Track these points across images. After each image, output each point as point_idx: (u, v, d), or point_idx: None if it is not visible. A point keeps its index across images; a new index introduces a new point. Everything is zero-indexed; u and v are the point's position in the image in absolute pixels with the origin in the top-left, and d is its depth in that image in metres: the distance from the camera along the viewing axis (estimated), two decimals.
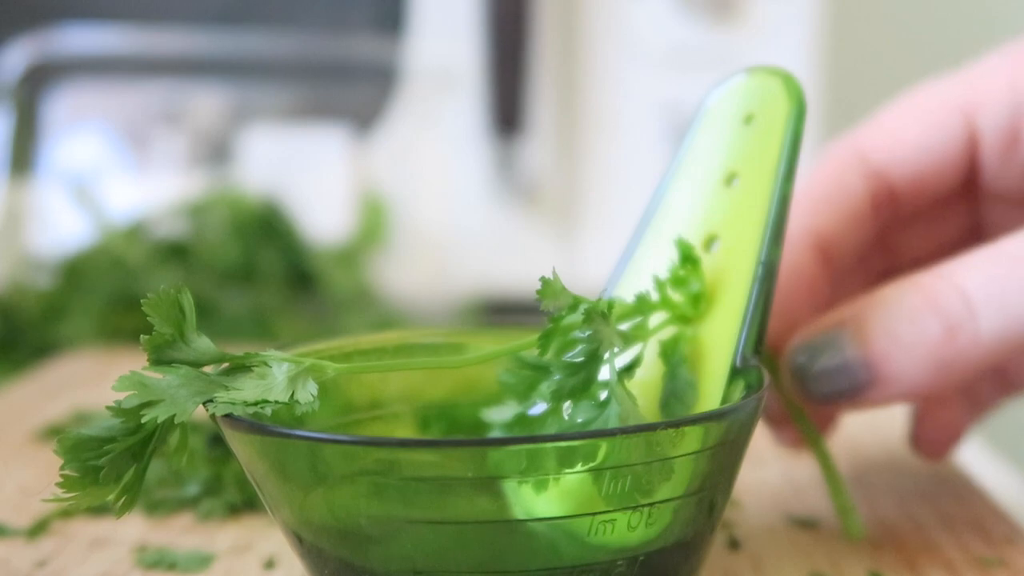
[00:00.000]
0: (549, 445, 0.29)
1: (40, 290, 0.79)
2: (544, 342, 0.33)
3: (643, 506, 0.30)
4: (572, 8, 0.90)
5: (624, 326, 0.34)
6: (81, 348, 0.72)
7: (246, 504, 0.42)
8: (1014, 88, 0.39)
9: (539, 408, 0.35)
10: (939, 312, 0.35)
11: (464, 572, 0.30)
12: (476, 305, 0.88)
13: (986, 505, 0.43)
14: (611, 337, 0.33)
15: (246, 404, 0.30)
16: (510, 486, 0.29)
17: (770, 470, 0.47)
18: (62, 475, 0.30)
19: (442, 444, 0.32)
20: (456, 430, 0.38)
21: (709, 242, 0.36)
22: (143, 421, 0.30)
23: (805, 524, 0.41)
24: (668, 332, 0.35)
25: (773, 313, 0.36)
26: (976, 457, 0.56)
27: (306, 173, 0.90)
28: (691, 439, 0.29)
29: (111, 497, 0.30)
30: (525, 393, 0.33)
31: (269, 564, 0.37)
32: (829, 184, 0.40)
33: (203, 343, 0.31)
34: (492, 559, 0.30)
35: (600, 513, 0.29)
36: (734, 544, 0.39)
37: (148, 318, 0.30)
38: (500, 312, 0.89)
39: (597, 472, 0.29)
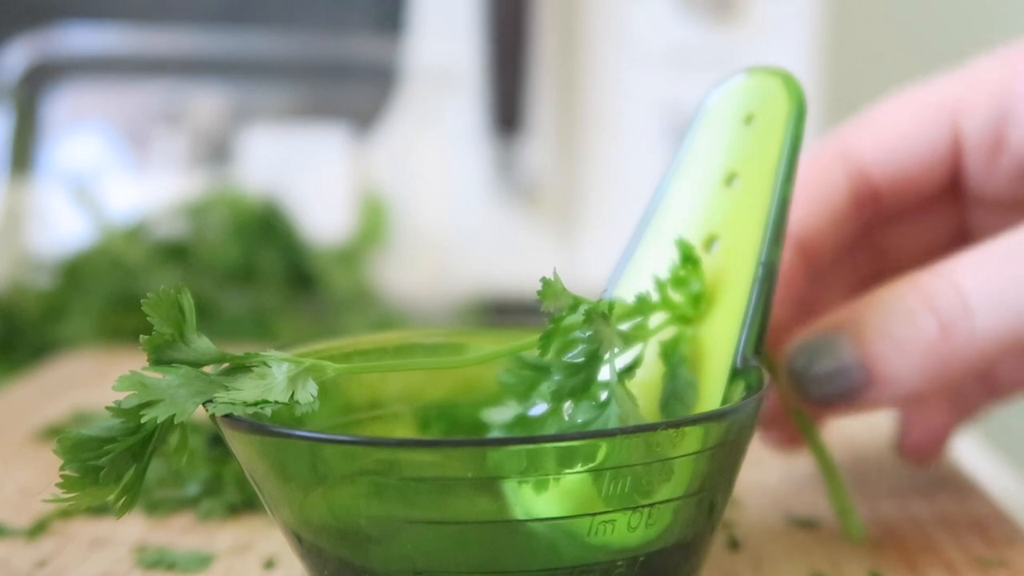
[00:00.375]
0: (549, 445, 0.29)
1: (40, 290, 0.79)
2: (545, 342, 0.33)
3: (643, 507, 0.30)
4: (572, 8, 0.90)
5: (624, 326, 0.34)
6: (81, 348, 0.72)
7: (246, 504, 0.42)
8: (1002, 93, 0.39)
9: (539, 409, 0.35)
10: (935, 310, 0.35)
11: (464, 572, 0.30)
12: (476, 305, 0.88)
13: (986, 505, 0.43)
14: (611, 338, 0.33)
15: (246, 404, 0.30)
16: (510, 486, 0.29)
17: (770, 470, 0.47)
18: (62, 475, 0.30)
19: (441, 444, 0.32)
20: (456, 430, 0.38)
21: (709, 242, 0.36)
22: (143, 421, 0.30)
23: (805, 524, 0.41)
24: (668, 332, 0.35)
25: None
26: (976, 457, 0.56)
27: (306, 173, 0.90)
28: (691, 440, 0.29)
29: (111, 497, 0.30)
30: (525, 393, 0.33)
31: (269, 564, 0.37)
32: (811, 181, 0.40)
33: (203, 343, 0.31)
34: (492, 559, 0.30)
35: (600, 513, 0.29)
36: (734, 544, 0.39)
37: (148, 318, 0.30)
38: (500, 312, 0.89)
39: (597, 473, 0.29)
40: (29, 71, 0.91)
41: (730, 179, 0.36)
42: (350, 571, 0.31)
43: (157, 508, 0.42)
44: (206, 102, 0.94)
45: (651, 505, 0.30)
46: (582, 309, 0.32)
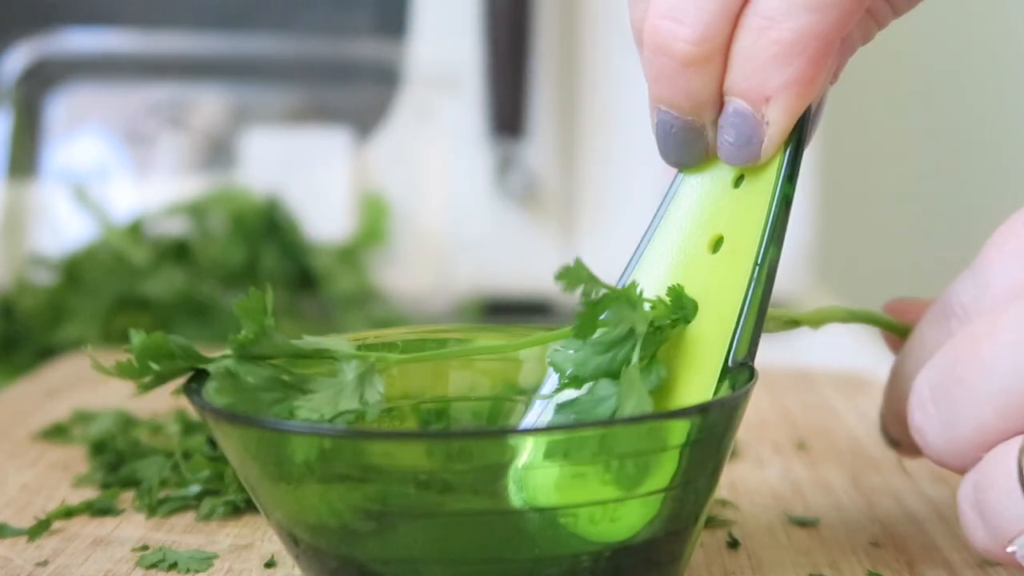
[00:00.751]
0: (530, 438, 0.29)
1: (42, 292, 0.79)
2: (582, 325, 0.33)
3: (622, 499, 0.30)
4: (572, 10, 0.90)
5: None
6: (83, 350, 0.72)
7: (247, 503, 0.42)
8: None
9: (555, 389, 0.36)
10: None
11: (447, 562, 0.30)
12: (476, 305, 0.88)
13: None
14: (637, 321, 0.33)
15: (323, 418, 0.32)
16: (497, 477, 0.29)
17: (770, 470, 0.47)
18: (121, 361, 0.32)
19: (400, 436, 0.33)
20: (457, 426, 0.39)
21: (715, 243, 0.36)
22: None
23: (805, 524, 0.41)
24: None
25: None
26: None
27: (308, 175, 0.90)
28: (668, 434, 0.30)
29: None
30: (578, 373, 0.34)
31: (270, 563, 0.37)
32: None
33: (280, 339, 0.33)
34: (481, 549, 0.30)
35: (585, 505, 0.30)
36: (734, 544, 0.39)
37: (237, 315, 0.33)
38: (500, 312, 0.89)
39: (578, 464, 0.29)
40: (31, 72, 0.91)
41: (737, 179, 0.36)
42: (325, 559, 0.31)
43: (158, 508, 0.42)
44: (208, 104, 0.94)
45: (630, 497, 0.30)
46: (613, 293, 0.33)
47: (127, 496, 0.43)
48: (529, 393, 0.38)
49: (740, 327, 0.34)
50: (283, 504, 0.31)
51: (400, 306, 0.86)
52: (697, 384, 0.34)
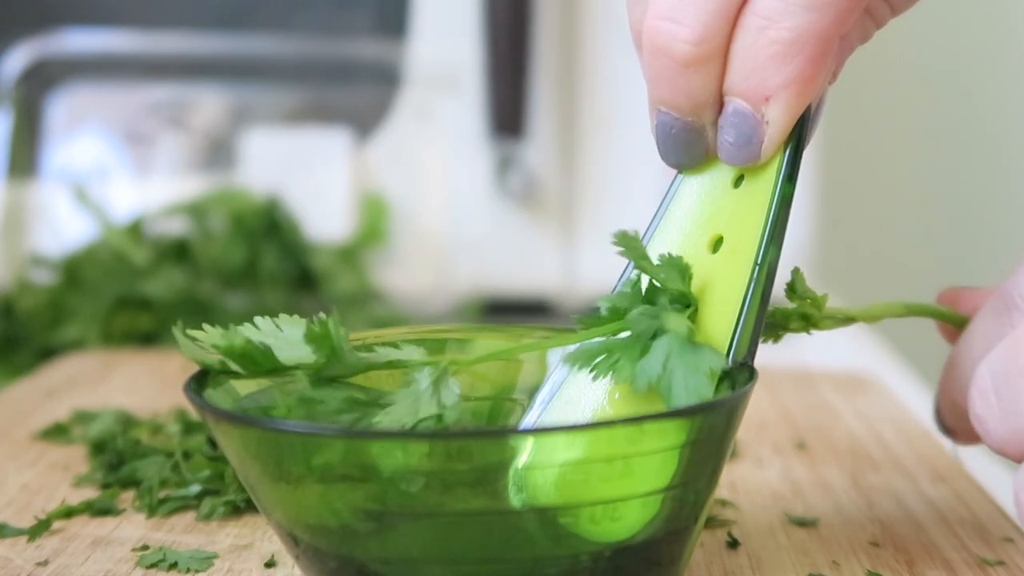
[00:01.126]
0: (530, 438, 0.29)
1: (42, 292, 0.79)
2: (612, 314, 0.34)
3: (622, 498, 0.30)
4: (573, 11, 0.91)
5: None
6: (83, 349, 0.72)
7: (247, 503, 0.42)
8: None
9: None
10: None
11: (447, 562, 0.30)
12: (476, 305, 0.88)
13: (986, 505, 0.43)
14: (667, 317, 0.33)
15: (404, 428, 0.32)
16: (497, 477, 0.29)
17: (770, 470, 0.47)
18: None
19: (400, 436, 0.32)
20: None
21: (715, 243, 0.36)
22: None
23: (805, 524, 0.41)
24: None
25: None
26: (976, 457, 0.56)
27: (308, 175, 0.90)
28: (664, 435, 0.30)
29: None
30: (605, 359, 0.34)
31: (270, 563, 0.37)
32: None
33: (352, 357, 0.34)
34: (481, 549, 0.30)
35: (585, 504, 0.30)
36: (734, 544, 0.39)
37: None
38: (500, 312, 0.89)
39: (576, 465, 0.29)
40: (31, 72, 0.91)
41: (737, 180, 0.36)
42: (325, 559, 0.31)
43: (159, 508, 0.42)
44: (208, 104, 0.94)
45: (629, 497, 0.30)
46: (639, 284, 0.34)
47: (127, 496, 0.43)
48: (529, 393, 0.38)
49: (740, 327, 0.34)
50: (283, 504, 0.31)
51: (400, 306, 0.86)
52: None
